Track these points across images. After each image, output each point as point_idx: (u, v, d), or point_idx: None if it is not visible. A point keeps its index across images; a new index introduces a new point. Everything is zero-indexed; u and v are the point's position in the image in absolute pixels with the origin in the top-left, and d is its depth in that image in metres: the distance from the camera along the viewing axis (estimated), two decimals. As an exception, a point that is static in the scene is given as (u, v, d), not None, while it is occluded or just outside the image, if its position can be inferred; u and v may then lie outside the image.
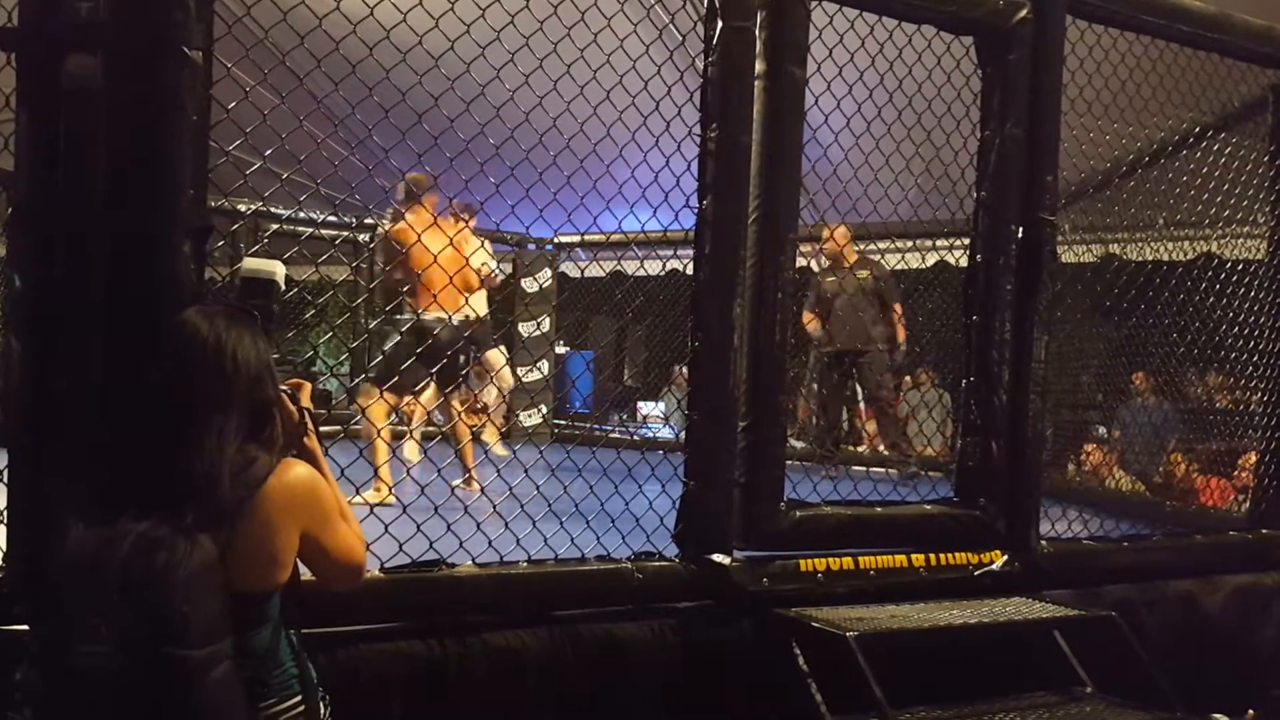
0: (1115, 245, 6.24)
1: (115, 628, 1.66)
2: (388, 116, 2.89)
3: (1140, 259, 5.81)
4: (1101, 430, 7.13)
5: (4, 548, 2.32)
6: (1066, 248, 5.63)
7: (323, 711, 1.94)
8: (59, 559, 1.78)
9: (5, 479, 2.30)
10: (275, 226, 7.04)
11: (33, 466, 2.26)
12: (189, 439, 1.76)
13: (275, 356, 2.03)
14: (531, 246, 9.38)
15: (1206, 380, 6.58)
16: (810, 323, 7.25)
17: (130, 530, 1.68)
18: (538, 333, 9.22)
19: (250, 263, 2.08)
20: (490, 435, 7.13)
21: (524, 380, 9.13)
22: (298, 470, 1.86)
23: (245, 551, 1.77)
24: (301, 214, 6.84)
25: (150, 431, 1.80)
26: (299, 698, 1.88)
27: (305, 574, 2.02)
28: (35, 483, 2.25)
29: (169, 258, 2.24)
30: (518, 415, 8.95)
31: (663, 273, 9.30)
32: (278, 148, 2.64)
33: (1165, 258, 5.59)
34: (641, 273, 9.12)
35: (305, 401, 2.04)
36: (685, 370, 9.65)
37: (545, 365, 9.26)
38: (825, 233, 6.87)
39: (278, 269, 2.09)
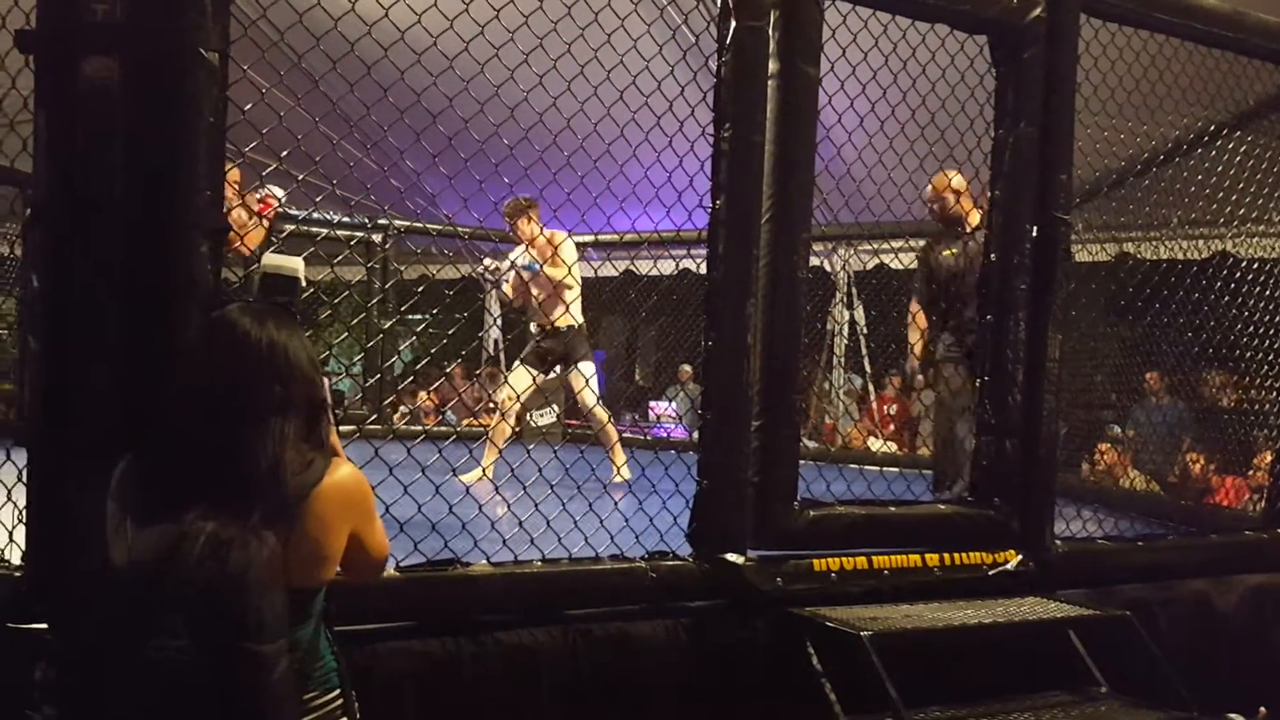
0: (1130, 244, 6.22)
1: (191, 624, 1.68)
2: (403, 118, 2.90)
3: (1154, 258, 5.79)
4: (1116, 429, 7.11)
5: (24, 548, 2.35)
6: (1081, 247, 5.61)
7: (354, 706, 1.96)
8: (125, 557, 1.78)
9: (25, 479, 2.31)
10: (290, 227, 7.08)
11: (52, 467, 2.28)
12: (251, 440, 1.77)
13: None
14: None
15: (1221, 379, 6.55)
16: (918, 316, 5.32)
17: (200, 529, 1.69)
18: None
19: (271, 259, 2.10)
20: (617, 459, 5.71)
21: (538, 380, 9.12)
22: (347, 469, 1.88)
23: (301, 549, 1.78)
24: (316, 215, 6.87)
25: (208, 432, 1.79)
26: (338, 691, 1.92)
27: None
28: (55, 482, 2.27)
29: (186, 258, 2.25)
30: (532, 415, 8.95)
31: (675, 272, 9.30)
32: (293, 149, 2.66)
33: (1180, 256, 5.57)
34: (655, 272, 9.11)
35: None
36: (690, 369, 9.68)
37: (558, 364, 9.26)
38: (941, 180, 4.89)
39: (299, 266, 2.10)
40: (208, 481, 1.76)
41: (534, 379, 5.90)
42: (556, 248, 5.63)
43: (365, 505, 1.91)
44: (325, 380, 2.07)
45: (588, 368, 5.78)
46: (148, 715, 1.73)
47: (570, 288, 5.52)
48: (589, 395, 5.76)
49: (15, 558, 2.45)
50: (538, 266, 5.62)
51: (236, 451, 1.77)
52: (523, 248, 5.80)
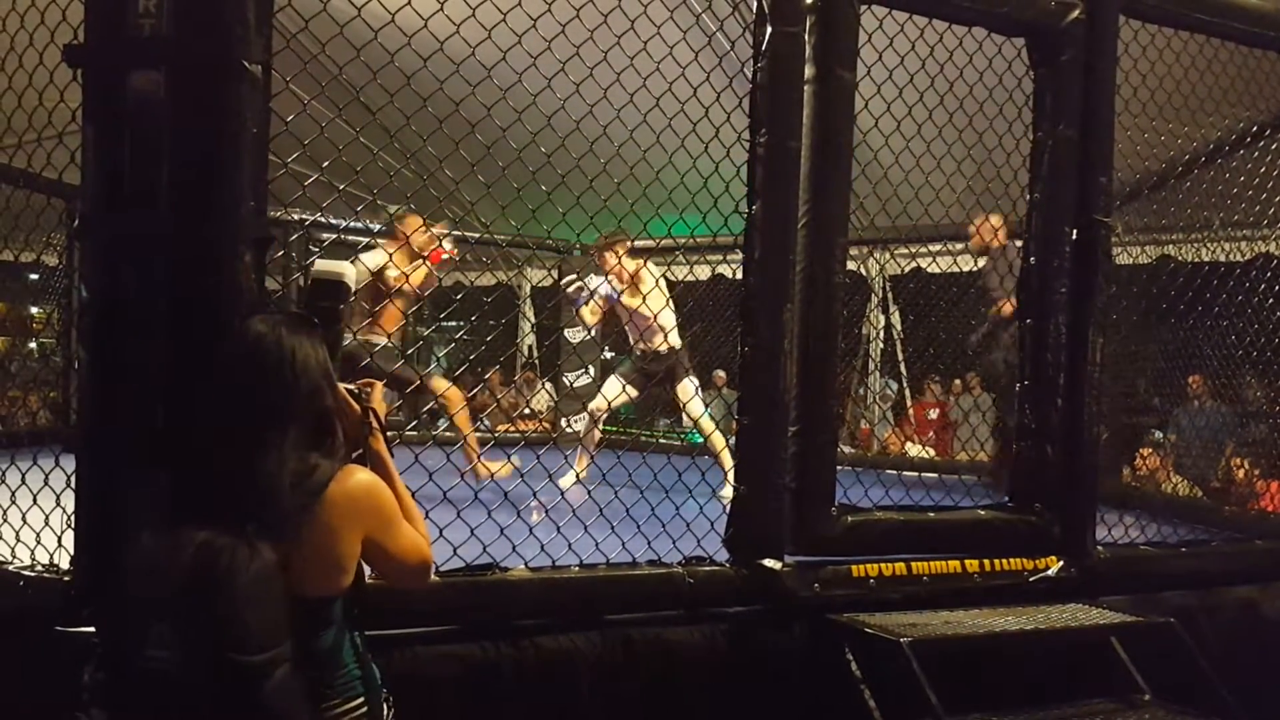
0: (1171, 246, 6.15)
1: (179, 633, 1.70)
2: (441, 127, 2.93)
3: (1196, 260, 5.72)
4: (1158, 434, 7.02)
5: (73, 552, 2.39)
6: (1121, 249, 5.56)
7: (386, 712, 1.97)
8: (127, 565, 1.82)
9: (74, 485, 2.35)
10: (332, 236, 7.18)
11: (100, 473, 2.32)
12: (252, 448, 1.79)
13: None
14: (577, 253, 9.41)
15: (1267, 382, 6.45)
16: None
17: (193, 538, 1.72)
18: (586, 338, 9.25)
19: (321, 264, 2.13)
20: (725, 464, 5.55)
21: (573, 386, 9.16)
22: (358, 476, 1.90)
23: (308, 557, 1.80)
24: (357, 224, 6.96)
25: (214, 440, 1.83)
26: (362, 699, 1.92)
27: (368, 576, 2.06)
28: (102, 488, 2.31)
29: (231, 267, 2.29)
30: (568, 420, 8.98)
31: (710, 278, 9.28)
32: (335, 159, 2.69)
33: (1222, 259, 5.50)
34: (690, 278, 9.10)
35: (376, 402, 2.07)
36: (724, 374, 9.66)
37: (593, 370, 9.30)
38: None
39: (347, 270, 2.12)
40: (209, 490, 1.79)
41: (623, 388, 6.09)
42: (634, 276, 5.77)
43: (378, 511, 1.91)
44: (377, 386, 2.09)
45: (692, 382, 5.93)
46: None
47: (654, 316, 5.52)
48: (696, 405, 5.88)
49: (64, 562, 2.50)
50: (616, 295, 5.78)
51: (234, 461, 1.79)
52: (604, 277, 5.96)
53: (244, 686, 1.69)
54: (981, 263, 6.52)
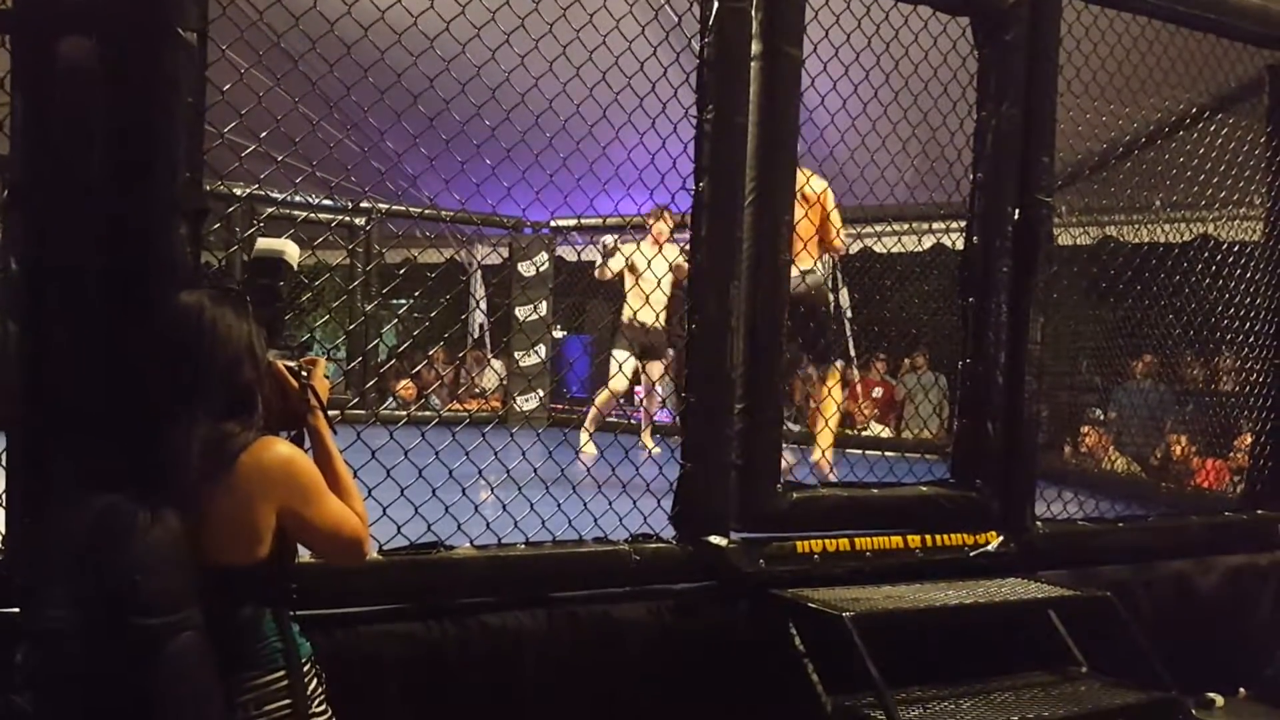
0: (1112, 227, 6.24)
1: (75, 595, 1.70)
2: (383, 98, 2.88)
3: (1137, 241, 5.81)
4: (1098, 412, 7.14)
5: (3, 530, 2.33)
6: (1063, 229, 5.63)
7: (313, 687, 1.94)
8: (38, 534, 1.82)
9: (4, 462, 2.30)
10: (270, 209, 7.05)
11: (30, 450, 2.26)
12: (163, 417, 1.80)
13: (290, 337, 2.06)
14: (528, 230, 9.37)
15: (1204, 362, 6.58)
16: None
17: (98, 502, 1.73)
18: (534, 317, 9.21)
19: (263, 242, 2.10)
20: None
21: (520, 364, 9.13)
22: (275, 448, 1.88)
23: (220, 526, 1.80)
24: (297, 197, 6.84)
25: (128, 409, 1.84)
26: (283, 671, 1.90)
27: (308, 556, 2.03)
28: (33, 466, 2.25)
29: (164, 240, 2.24)
30: (515, 399, 8.95)
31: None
32: (273, 130, 2.64)
33: (1162, 239, 5.59)
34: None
35: (317, 380, 2.05)
36: (674, 351, 9.72)
37: (542, 349, 9.27)
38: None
39: (288, 248, 2.09)
40: (121, 458, 1.80)
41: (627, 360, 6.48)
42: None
43: (292, 483, 1.88)
44: (319, 363, 2.07)
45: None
46: (37, 685, 1.76)
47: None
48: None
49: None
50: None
51: (145, 430, 1.80)
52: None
53: (141, 649, 1.69)
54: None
